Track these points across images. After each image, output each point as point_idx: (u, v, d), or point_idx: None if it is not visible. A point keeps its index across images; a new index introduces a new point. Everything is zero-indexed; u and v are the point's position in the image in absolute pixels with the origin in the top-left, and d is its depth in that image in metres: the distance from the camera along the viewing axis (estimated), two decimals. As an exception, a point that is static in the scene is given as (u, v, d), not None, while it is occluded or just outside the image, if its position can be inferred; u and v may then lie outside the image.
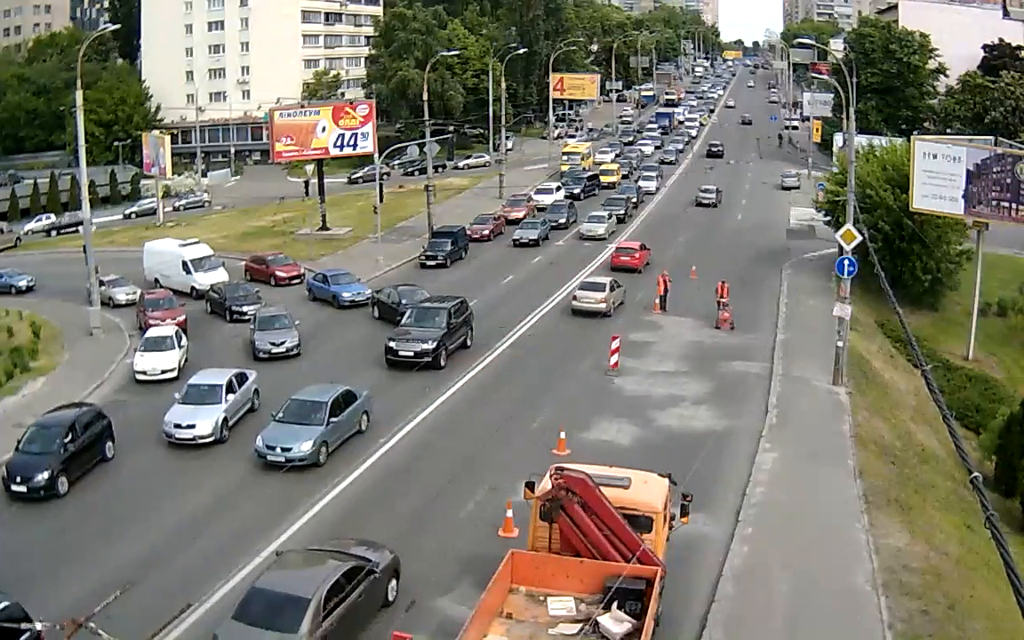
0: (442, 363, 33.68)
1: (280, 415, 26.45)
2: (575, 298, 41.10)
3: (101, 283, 43.55)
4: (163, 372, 32.97)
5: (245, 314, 40.04)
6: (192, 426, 26.98)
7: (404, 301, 39.18)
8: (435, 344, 33.59)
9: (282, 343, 35.26)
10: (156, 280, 46.79)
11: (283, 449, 25.27)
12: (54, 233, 71.64)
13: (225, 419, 27.56)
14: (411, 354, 33.39)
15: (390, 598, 18.91)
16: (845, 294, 32.35)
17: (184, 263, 46.18)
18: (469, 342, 36.18)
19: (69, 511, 23.82)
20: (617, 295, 41.76)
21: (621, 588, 16.17)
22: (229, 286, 43.51)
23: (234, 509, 23.60)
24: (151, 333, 34.94)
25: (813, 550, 20.95)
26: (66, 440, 24.73)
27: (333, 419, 26.27)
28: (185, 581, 19.55)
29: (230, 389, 28.48)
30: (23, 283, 49.42)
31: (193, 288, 45.20)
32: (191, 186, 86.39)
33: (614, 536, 16.88)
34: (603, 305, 40.15)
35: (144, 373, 32.97)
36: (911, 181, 43.57)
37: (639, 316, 41.13)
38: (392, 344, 33.98)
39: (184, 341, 34.96)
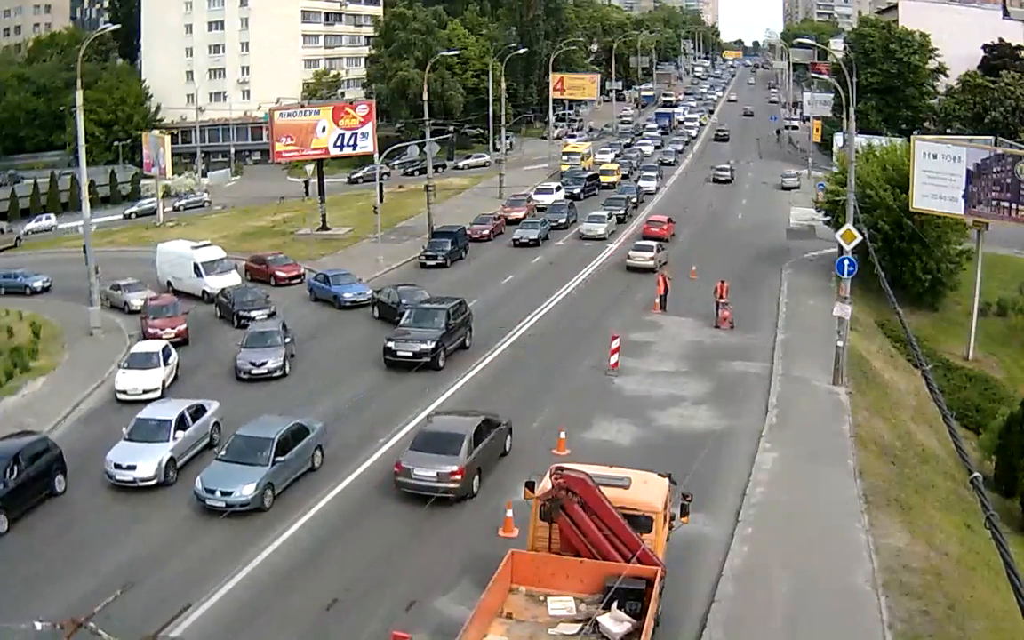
0: (440, 364, 33.52)
1: (222, 453, 23.89)
2: (629, 257, 49.77)
3: (116, 287, 43.63)
4: (145, 392, 30.77)
5: (253, 319, 38.99)
6: (133, 467, 24.30)
7: (404, 301, 39.13)
8: (434, 345, 33.45)
9: (263, 364, 33.00)
10: (169, 283, 46.20)
11: (223, 493, 22.58)
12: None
13: (172, 459, 24.83)
14: (410, 354, 33.26)
15: (507, 449, 26.14)
16: (845, 294, 32.34)
17: (196, 266, 45.40)
18: (468, 343, 36.06)
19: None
20: (662, 256, 49.77)
21: (621, 588, 16.16)
22: (237, 290, 42.55)
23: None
24: (136, 348, 33.51)
25: (813, 550, 20.94)
26: (7, 474, 22.61)
27: (280, 458, 23.60)
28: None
29: (181, 425, 25.75)
30: (39, 283, 48.73)
31: (204, 291, 44.48)
32: (191, 186, 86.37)
33: (614, 536, 16.88)
34: (652, 262, 48.47)
35: (125, 392, 30.95)
36: (911, 181, 43.57)
37: (639, 316, 41.13)
38: (391, 344, 33.84)
39: (173, 356, 33.31)
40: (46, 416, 29.27)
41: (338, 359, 35.90)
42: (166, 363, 32.45)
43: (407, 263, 52.68)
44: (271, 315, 39.70)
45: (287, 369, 33.65)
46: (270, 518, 22.90)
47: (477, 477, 23.80)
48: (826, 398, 31.30)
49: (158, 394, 30.76)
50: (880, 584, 19.69)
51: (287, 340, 34.74)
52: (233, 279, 45.32)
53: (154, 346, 33.26)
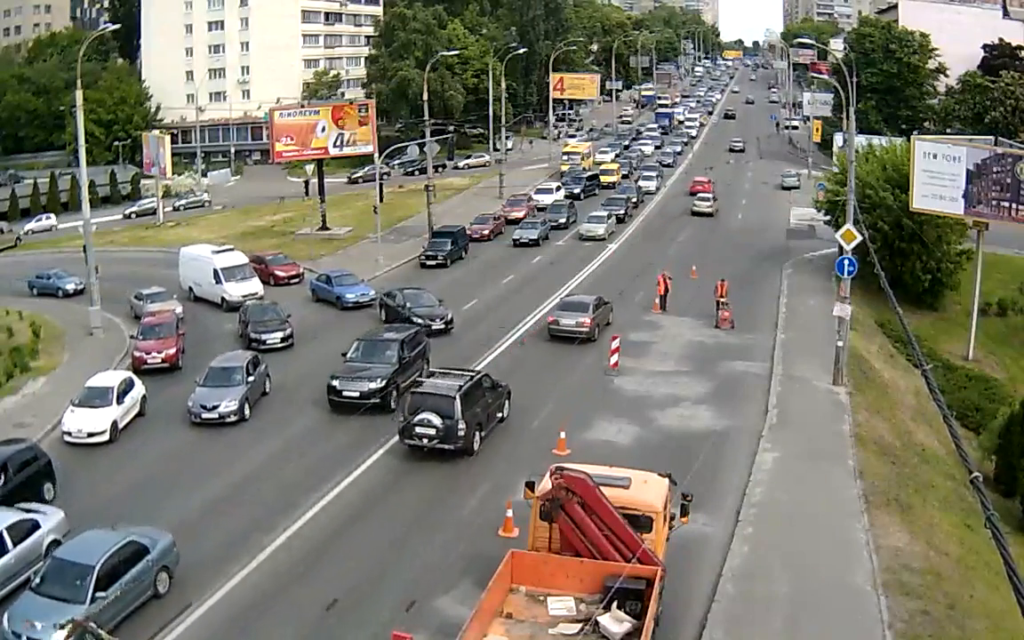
0: (392, 405, 29.12)
1: (36, 581, 18.20)
2: (694, 205, 64.55)
3: (138, 297, 41.17)
4: (90, 435, 27.03)
5: (264, 343, 35.51)
6: None
7: (409, 305, 38.67)
8: (384, 382, 29.31)
9: (214, 408, 28.34)
10: (190, 289, 44.24)
11: (15, 634, 17.27)
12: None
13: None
14: (356, 395, 29.04)
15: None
16: (845, 294, 32.34)
17: (215, 271, 42.99)
18: (422, 376, 30.57)
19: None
20: (717, 204, 60.32)
21: (621, 588, 16.17)
22: (255, 307, 38.57)
23: None
24: (92, 381, 29.06)
25: (813, 550, 20.95)
26: None
27: (101, 594, 17.68)
28: None
29: (18, 539, 19.82)
30: (71, 285, 46.76)
31: (223, 299, 42.15)
32: (191, 186, 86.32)
33: (614, 536, 16.89)
34: (711, 208, 63.79)
35: (70, 435, 27.19)
36: (911, 181, 43.55)
37: (639, 316, 41.12)
38: (335, 383, 29.54)
39: (135, 391, 29.24)
40: (46, 416, 29.25)
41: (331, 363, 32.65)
42: (121, 400, 28.25)
43: (407, 263, 52.68)
44: (286, 339, 36.36)
45: (246, 413, 28.94)
46: (275, 509, 22.92)
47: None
48: (826, 398, 31.29)
49: (105, 438, 27.12)
50: (880, 584, 19.69)
51: (250, 379, 29.62)
52: (255, 286, 43.04)
53: (111, 379, 29.13)
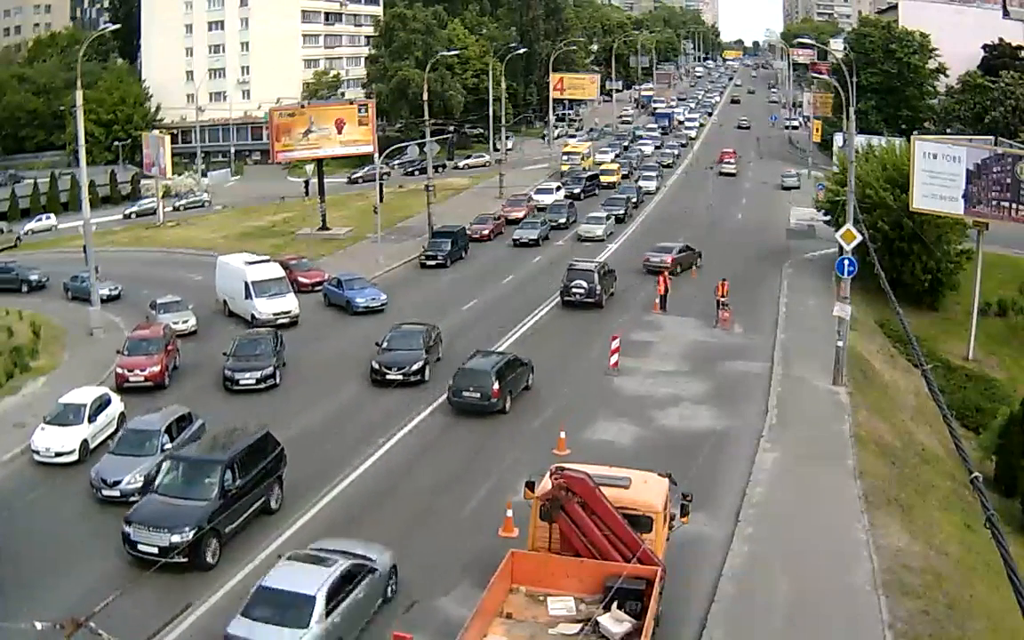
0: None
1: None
2: (721, 170, 74.76)
3: (153, 305, 39.64)
4: (58, 454, 25.48)
5: (237, 384, 31.55)
6: None
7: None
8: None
9: (115, 484, 23.20)
10: (225, 302, 41.64)
11: None
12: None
13: None
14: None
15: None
16: (845, 294, 32.36)
17: (246, 285, 39.62)
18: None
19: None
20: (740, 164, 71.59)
21: (621, 588, 16.18)
22: (243, 340, 33.60)
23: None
24: (65, 397, 27.50)
25: (813, 550, 20.95)
26: None
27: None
28: None
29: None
30: (105, 290, 43.59)
31: (253, 316, 38.91)
32: (191, 186, 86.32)
33: (614, 536, 16.89)
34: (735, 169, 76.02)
35: (39, 453, 25.77)
36: (911, 181, 43.56)
37: (639, 316, 41.13)
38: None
39: (111, 409, 27.72)
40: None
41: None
42: (94, 419, 26.68)
43: (407, 263, 52.69)
44: (264, 380, 31.76)
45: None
46: (275, 516, 22.85)
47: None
48: (826, 398, 31.29)
49: (75, 457, 25.53)
50: (880, 584, 19.69)
51: (169, 446, 24.27)
52: (288, 304, 39.54)
53: (85, 396, 27.41)
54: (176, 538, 19.52)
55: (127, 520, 20.31)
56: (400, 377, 31.73)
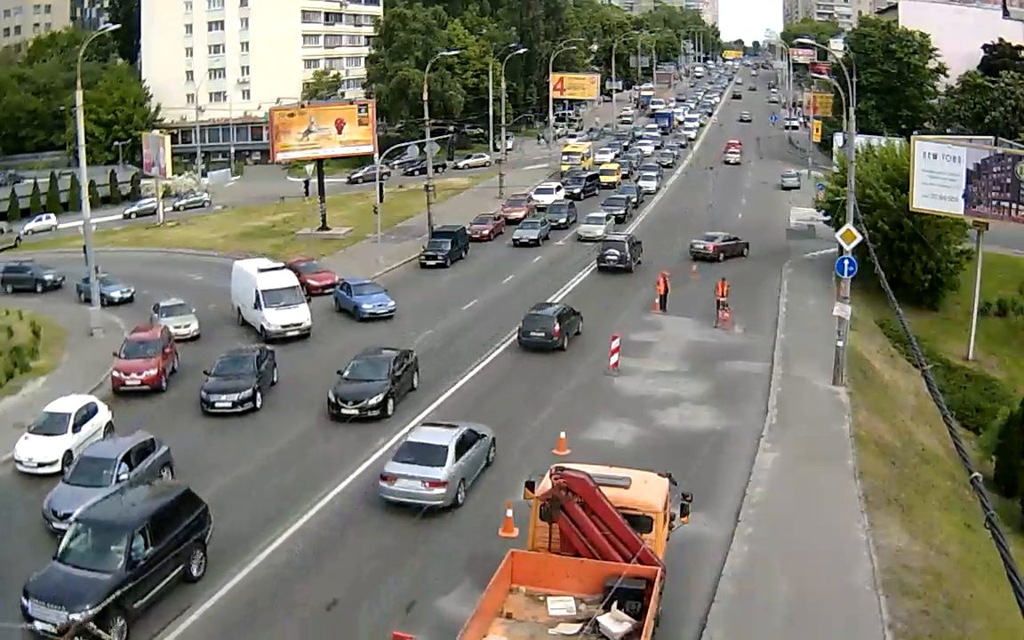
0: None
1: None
2: (725, 158, 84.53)
3: (156, 309, 38.94)
4: (41, 465, 24.79)
5: (212, 406, 29.41)
6: None
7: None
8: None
9: (65, 516, 20.64)
10: (239, 310, 39.95)
11: None
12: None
13: None
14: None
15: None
16: (845, 294, 32.35)
17: (257, 294, 37.63)
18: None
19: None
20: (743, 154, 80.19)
21: (621, 588, 16.17)
22: (223, 360, 31.10)
23: None
24: (50, 406, 26.75)
25: (813, 550, 20.95)
26: None
27: None
28: None
29: None
30: (117, 293, 43.58)
31: (262, 328, 37.11)
32: (191, 186, 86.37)
33: (614, 536, 16.88)
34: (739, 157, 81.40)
35: (21, 464, 25.11)
36: (911, 181, 43.57)
37: (639, 316, 41.14)
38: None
39: (98, 418, 26.70)
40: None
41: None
42: (78, 429, 25.81)
43: (407, 263, 52.69)
44: (241, 403, 29.36)
45: None
46: (271, 517, 22.78)
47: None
48: (826, 398, 31.29)
49: (57, 468, 24.49)
50: (880, 584, 19.69)
51: (125, 478, 22.45)
52: (299, 316, 37.35)
53: (70, 405, 26.51)
54: (76, 616, 16.41)
55: (25, 591, 17.56)
56: (355, 412, 28.45)
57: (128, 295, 44.63)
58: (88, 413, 26.69)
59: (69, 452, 25.08)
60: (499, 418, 29.15)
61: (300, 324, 37.45)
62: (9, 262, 51.85)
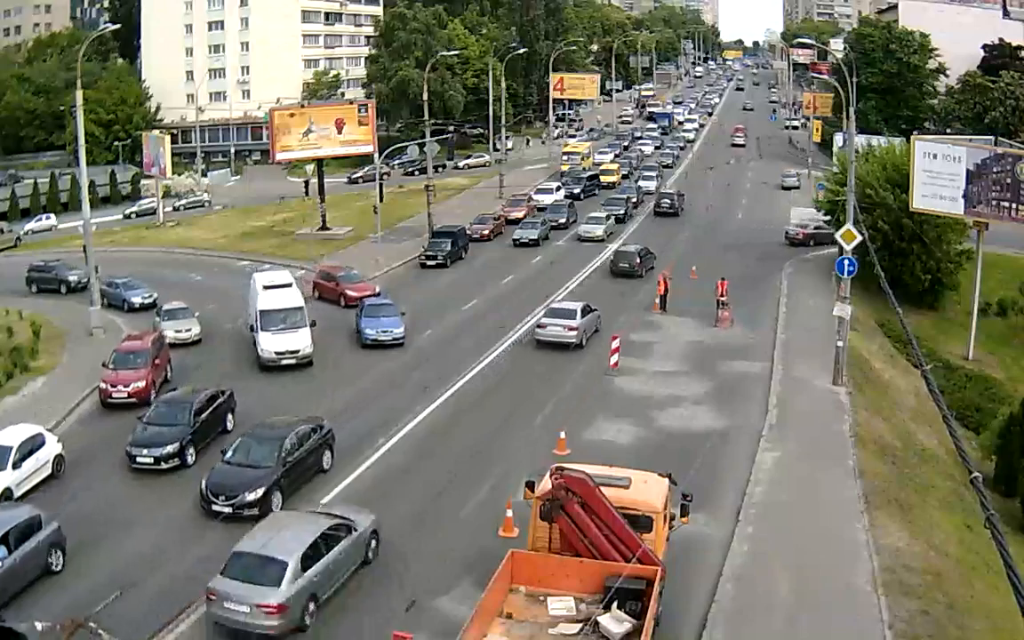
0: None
1: None
2: (732, 142, 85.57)
3: (158, 312, 37.95)
4: None
5: (134, 461, 25.13)
6: None
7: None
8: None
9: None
10: (251, 327, 35.35)
11: None
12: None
13: None
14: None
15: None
16: (845, 294, 32.35)
17: (255, 315, 34.17)
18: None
19: None
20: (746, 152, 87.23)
21: (621, 588, 16.17)
22: (157, 407, 26.86)
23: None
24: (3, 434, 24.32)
25: (813, 550, 20.95)
26: None
27: None
28: None
29: None
30: (138, 298, 41.92)
31: (257, 353, 33.60)
32: (191, 186, 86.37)
33: (614, 536, 16.89)
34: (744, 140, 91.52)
35: None
36: (911, 181, 43.57)
37: (639, 316, 41.13)
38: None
39: (45, 450, 24.42)
40: (45, 417, 29.19)
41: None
42: (19, 465, 23.34)
43: (407, 263, 52.66)
44: (165, 459, 24.91)
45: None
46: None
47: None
48: (826, 398, 31.29)
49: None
50: (880, 584, 19.70)
51: (7, 563, 18.83)
52: (300, 342, 32.94)
53: (11, 438, 23.82)
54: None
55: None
56: (228, 510, 22.13)
57: (151, 300, 42.04)
58: (33, 447, 24.14)
59: (8, 490, 22.77)
60: (499, 418, 29.23)
61: (298, 351, 32.97)
62: (35, 261, 51.44)
